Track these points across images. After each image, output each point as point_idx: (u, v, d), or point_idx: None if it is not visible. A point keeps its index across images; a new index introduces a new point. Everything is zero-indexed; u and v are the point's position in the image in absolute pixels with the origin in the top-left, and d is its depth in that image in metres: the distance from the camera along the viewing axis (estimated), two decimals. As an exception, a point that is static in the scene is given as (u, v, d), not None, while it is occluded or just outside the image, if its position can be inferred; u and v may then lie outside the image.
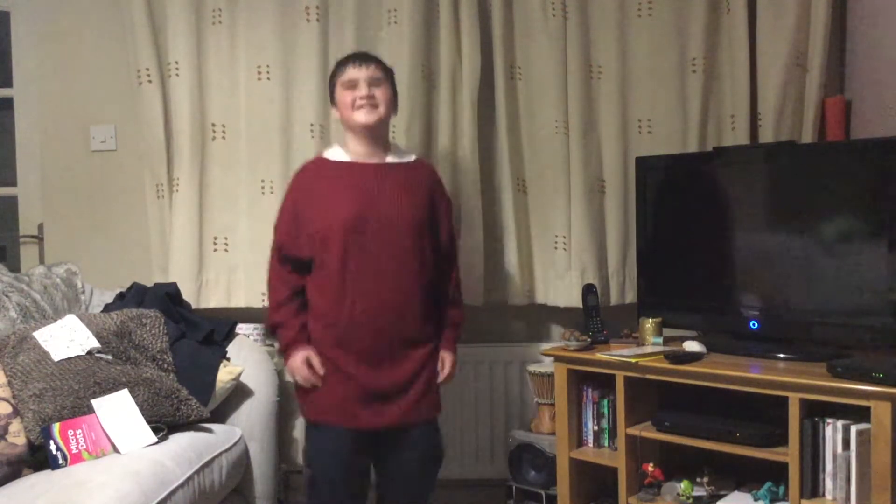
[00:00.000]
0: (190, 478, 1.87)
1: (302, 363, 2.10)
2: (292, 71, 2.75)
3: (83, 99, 2.93)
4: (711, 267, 2.38)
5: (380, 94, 2.12)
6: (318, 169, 2.18)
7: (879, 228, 2.03)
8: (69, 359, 2.01)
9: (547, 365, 2.57)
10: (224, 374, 2.22)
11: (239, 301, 2.79)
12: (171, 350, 2.24)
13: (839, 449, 1.88)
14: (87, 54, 2.92)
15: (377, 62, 2.17)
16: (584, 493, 2.43)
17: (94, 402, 1.92)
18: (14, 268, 2.48)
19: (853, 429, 1.87)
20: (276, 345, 2.26)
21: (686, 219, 2.45)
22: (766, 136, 2.68)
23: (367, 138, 2.14)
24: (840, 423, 1.88)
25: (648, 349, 2.31)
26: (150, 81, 2.76)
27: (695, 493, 2.15)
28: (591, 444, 2.42)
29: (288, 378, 2.79)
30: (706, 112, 2.74)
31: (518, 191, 2.80)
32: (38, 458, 1.85)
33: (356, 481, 2.17)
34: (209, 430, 2.09)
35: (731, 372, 2.05)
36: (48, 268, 2.49)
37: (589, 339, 2.43)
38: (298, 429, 2.68)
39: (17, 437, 1.85)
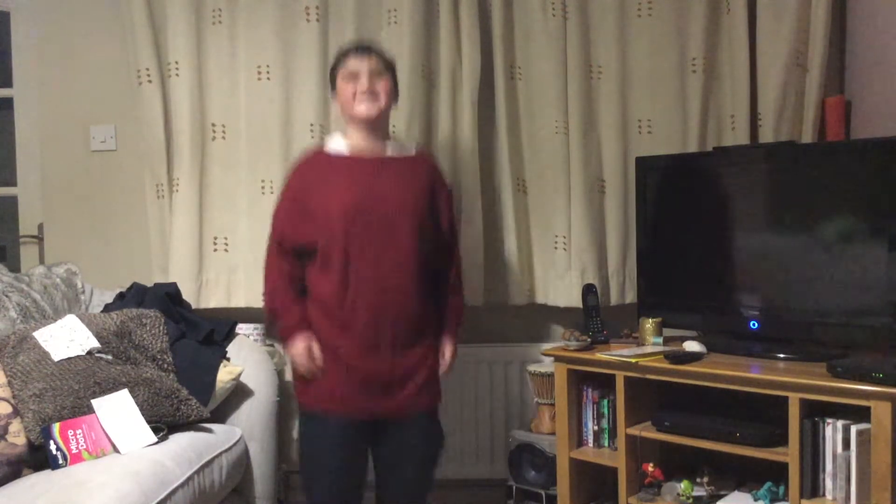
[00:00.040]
0: (190, 478, 1.87)
1: (304, 351, 2.09)
2: (292, 71, 2.75)
3: (83, 99, 2.93)
4: (711, 267, 2.38)
5: (381, 86, 2.12)
6: (318, 161, 2.18)
7: (879, 228, 2.03)
8: (69, 359, 2.01)
9: (547, 365, 2.57)
10: (224, 374, 2.22)
11: (239, 301, 2.79)
12: (171, 350, 2.24)
13: (839, 449, 1.88)
14: (87, 54, 2.92)
15: (379, 53, 2.16)
16: (584, 493, 2.43)
17: (94, 402, 1.92)
18: (14, 268, 2.48)
19: (853, 429, 1.87)
20: (265, 328, 2.21)
21: (686, 219, 2.45)
22: (766, 136, 2.68)
23: (367, 130, 2.14)
24: (840, 423, 1.88)
25: (648, 349, 2.31)
26: (150, 81, 2.76)
27: (695, 493, 2.15)
28: (591, 444, 2.43)
29: (288, 378, 2.81)
30: (706, 112, 2.75)
31: (518, 191, 2.80)
32: (38, 458, 1.85)
33: (353, 474, 2.14)
34: (209, 430, 2.09)
35: (731, 372, 2.05)
36: (48, 268, 2.49)
37: (589, 339, 2.43)
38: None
39: (17, 437, 1.85)
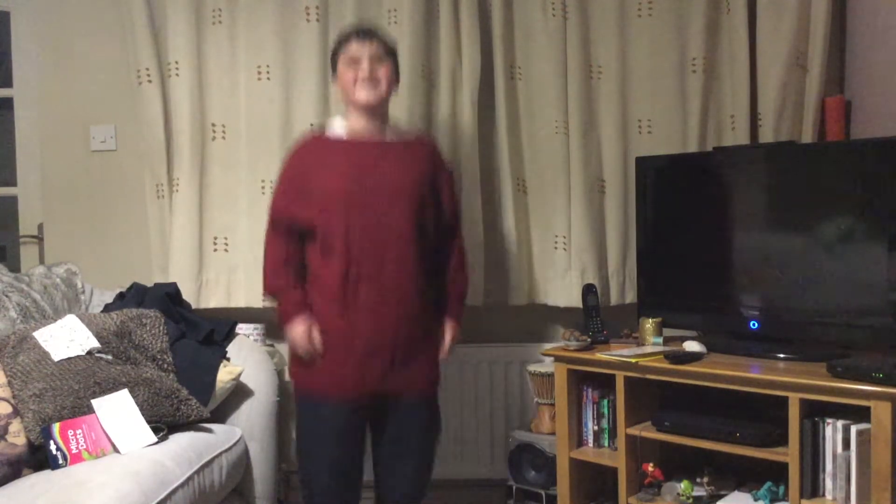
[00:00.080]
0: (190, 478, 1.87)
1: (304, 334, 2.09)
2: (292, 71, 2.75)
3: (83, 99, 2.93)
4: (711, 267, 2.38)
5: (382, 72, 2.11)
6: (317, 144, 2.18)
7: (879, 228, 2.03)
8: (69, 359, 2.01)
9: (547, 365, 2.57)
10: (224, 374, 2.22)
11: (239, 301, 2.79)
12: (171, 350, 2.24)
13: (839, 449, 1.88)
14: (87, 54, 2.92)
15: (380, 39, 2.15)
16: (584, 493, 2.43)
17: (94, 402, 1.92)
18: (14, 268, 2.48)
19: (853, 429, 1.87)
20: (268, 303, 2.19)
21: (686, 219, 2.45)
22: (766, 136, 2.68)
23: (367, 115, 2.13)
24: (840, 423, 1.88)
25: (648, 349, 2.31)
26: (150, 81, 2.76)
27: (695, 493, 2.15)
28: (591, 444, 2.42)
29: (288, 378, 2.81)
30: (706, 112, 2.75)
31: (518, 191, 2.80)
32: (38, 458, 1.85)
33: (351, 459, 2.13)
34: (209, 430, 2.09)
35: (731, 372, 2.05)
36: (48, 268, 2.49)
37: (589, 339, 2.43)
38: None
39: (17, 437, 1.85)
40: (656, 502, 2.20)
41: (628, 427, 2.25)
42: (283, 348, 2.76)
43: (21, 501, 1.64)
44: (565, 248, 2.79)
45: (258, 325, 2.72)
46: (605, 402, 2.37)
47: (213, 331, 2.39)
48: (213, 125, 2.79)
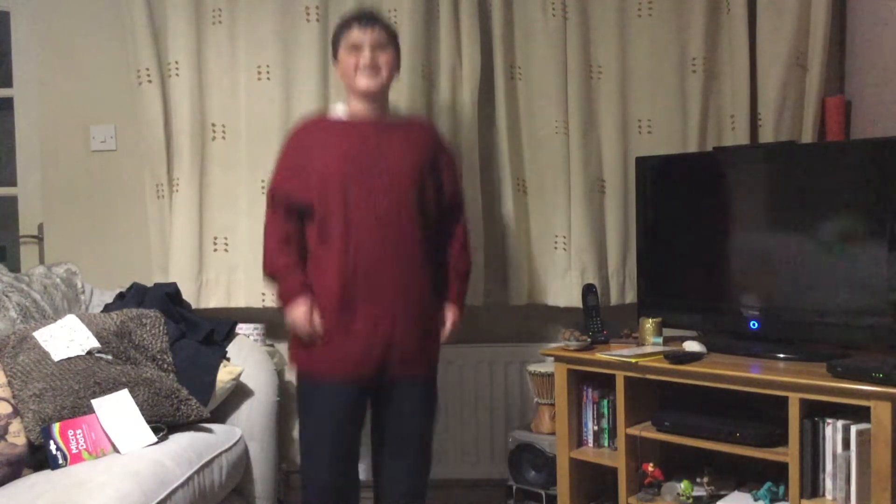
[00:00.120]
0: (190, 478, 1.87)
1: (305, 315, 2.09)
2: (292, 71, 2.75)
3: (83, 99, 2.93)
4: (711, 267, 2.38)
5: (383, 59, 2.12)
6: (317, 125, 2.19)
7: (879, 228, 2.03)
8: (69, 359, 2.01)
9: (547, 365, 2.57)
10: (224, 374, 2.22)
11: (239, 301, 2.79)
12: (171, 350, 2.24)
13: (839, 449, 1.88)
14: (87, 54, 2.92)
15: (382, 24, 2.15)
16: (584, 493, 2.43)
17: (94, 402, 1.92)
18: (14, 268, 2.48)
19: (853, 429, 1.87)
20: (274, 293, 2.20)
21: (686, 219, 2.45)
22: (766, 136, 2.68)
23: (367, 101, 2.15)
24: (840, 423, 1.88)
25: (648, 349, 2.31)
26: (150, 81, 2.76)
27: (695, 493, 2.15)
28: (591, 444, 2.42)
29: (288, 378, 2.81)
30: (706, 112, 2.75)
31: (518, 191, 2.80)
32: (38, 458, 1.85)
33: (350, 439, 2.15)
34: (209, 430, 2.09)
35: (731, 372, 2.05)
36: (48, 268, 2.49)
37: (589, 339, 2.43)
38: (298, 429, 2.68)
39: (17, 437, 1.85)
40: (656, 502, 2.20)
41: (628, 427, 2.25)
42: (283, 348, 2.77)
43: (21, 501, 1.64)
44: (565, 248, 2.79)
45: (258, 325, 2.72)
46: (605, 402, 2.37)
47: (213, 331, 2.39)
48: (213, 125, 2.79)
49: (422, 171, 2.12)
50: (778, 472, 2.03)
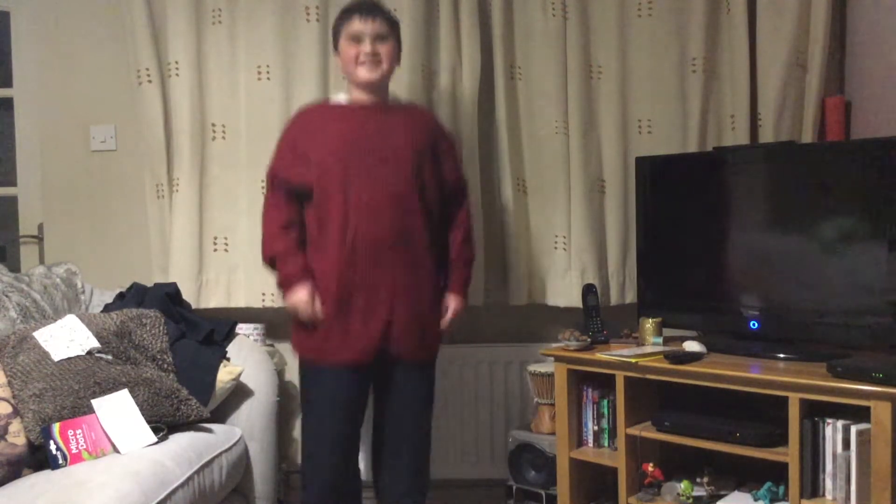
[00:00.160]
0: (190, 478, 1.87)
1: (307, 298, 2.09)
2: (292, 71, 2.75)
3: (83, 99, 2.93)
4: (711, 267, 2.38)
5: (384, 49, 2.12)
6: (319, 110, 2.21)
7: (879, 228, 2.03)
8: (69, 359, 2.01)
9: (547, 365, 2.57)
10: (224, 374, 2.22)
11: (239, 301, 2.79)
12: (171, 350, 2.24)
13: (839, 449, 1.88)
14: (87, 54, 2.92)
15: (383, 15, 2.15)
16: (584, 493, 2.43)
17: (94, 402, 1.92)
18: (14, 268, 2.49)
19: (853, 429, 1.87)
20: (275, 278, 2.20)
21: (686, 219, 2.45)
22: (766, 136, 2.68)
23: (368, 91, 2.16)
24: (840, 423, 1.88)
25: (648, 349, 2.31)
26: (150, 81, 2.76)
27: (695, 493, 2.15)
28: (591, 444, 2.42)
29: (288, 378, 2.81)
30: (706, 112, 2.75)
31: (518, 191, 2.80)
32: (38, 458, 1.85)
33: (352, 425, 2.16)
34: (209, 430, 2.09)
35: (731, 372, 2.05)
36: (48, 268, 2.49)
37: (589, 339, 2.43)
38: (298, 429, 2.68)
39: (17, 437, 1.85)
40: (656, 502, 2.20)
41: (628, 427, 2.25)
42: (283, 348, 2.77)
43: (21, 501, 1.64)
44: (565, 248, 2.79)
45: (258, 325, 2.72)
46: (605, 402, 2.37)
47: (213, 331, 2.38)
48: (213, 125, 2.79)
49: (422, 154, 2.13)
50: (778, 472, 2.03)
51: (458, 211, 2.24)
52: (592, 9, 2.76)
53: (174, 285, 2.51)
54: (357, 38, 2.11)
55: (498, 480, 2.76)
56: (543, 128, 2.79)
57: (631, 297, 2.78)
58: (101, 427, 1.88)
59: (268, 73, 2.75)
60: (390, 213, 2.07)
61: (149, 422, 1.94)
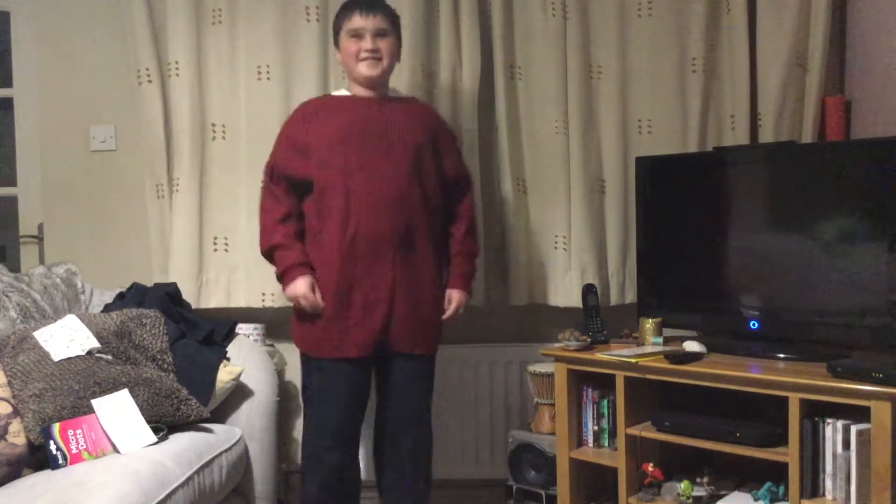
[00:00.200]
0: (190, 478, 1.87)
1: (307, 288, 2.09)
2: (292, 71, 2.75)
3: (83, 99, 2.93)
4: (711, 267, 2.38)
5: (384, 46, 2.13)
6: (320, 103, 2.23)
7: (879, 228, 2.03)
8: (69, 359, 2.01)
9: (547, 365, 2.57)
10: (224, 374, 2.22)
11: (239, 301, 2.79)
12: (171, 350, 2.24)
13: (839, 449, 1.88)
14: (87, 54, 2.92)
15: (384, 10, 2.16)
16: (584, 493, 2.43)
17: (94, 402, 1.92)
18: (14, 268, 2.48)
19: (853, 429, 1.86)
20: (274, 269, 2.21)
21: (686, 219, 2.45)
22: (766, 136, 2.68)
23: (368, 86, 2.17)
24: (840, 423, 1.88)
25: (648, 349, 2.31)
26: (150, 81, 2.76)
27: (695, 493, 2.15)
28: (591, 444, 2.42)
29: (288, 378, 2.81)
30: (706, 112, 2.75)
31: (518, 191, 2.80)
32: (38, 458, 1.85)
33: (353, 417, 2.17)
34: (209, 430, 2.09)
35: (731, 372, 2.05)
36: (48, 268, 2.49)
37: (589, 339, 2.43)
38: (298, 429, 2.68)
39: (17, 437, 1.85)
40: (656, 502, 2.20)
41: (628, 427, 2.25)
42: (283, 348, 2.77)
43: (21, 501, 1.64)
44: (565, 248, 2.79)
45: (258, 325, 2.72)
46: (605, 402, 2.37)
47: (213, 331, 2.38)
48: (213, 125, 2.79)
49: (422, 148, 2.14)
50: (778, 472, 2.03)
51: (460, 204, 2.24)
52: (592, 9, 2.76)
53: (174, 285, 2.51)
54: (358, 34, 2.11)
55: (498, 480, 2.76)
56: (543, 127, 2.79)
57: (631, 297, 2.78)
58: (101, 427, 1.88)
59: (268, 73, 2.75)
60: (391, 207, 2.08)
61: (149, 422, 1.94)
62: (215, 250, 2.80)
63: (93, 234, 2.94)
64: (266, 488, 2.28)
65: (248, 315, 2.76)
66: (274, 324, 2.77)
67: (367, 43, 2.10)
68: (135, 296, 2.45)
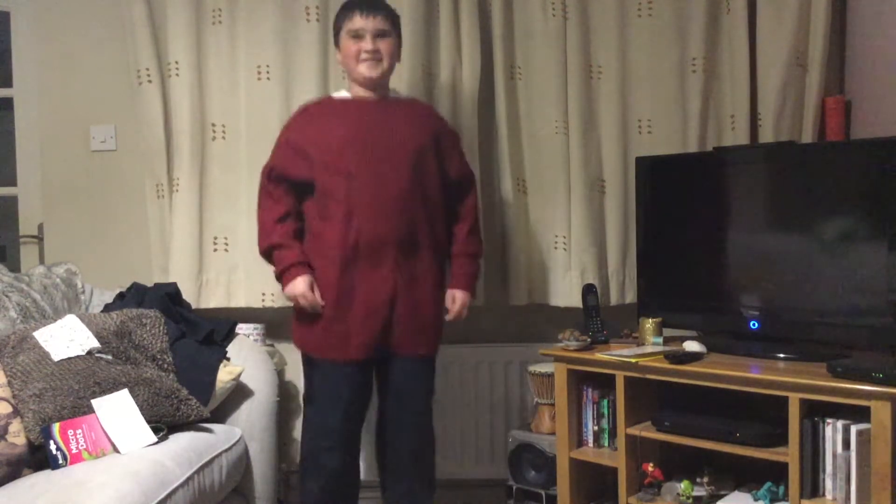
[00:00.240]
0: (190, 478, 1.87)
1: (306, 287, 2.09)
2: (292, 71, 2.75)
3: (83, 99, 2.93)
4: (711, 267, 2.38)
5: (385, 46, 2.13)
6: (321, 105, 2.23)
7: (879, 228, 2.03)
8: (69, 359, 2.01)
9: (547, 365, 2.57)
10: (224, 374, 2.22)
11: (239, 301, 2.79)
12: (171, 350, 2.24)
13: (839, 449, 1.88)
14: (87, 54, 2.92)
15: (384, 10, 2.16)
16: (584, 493, 2.43)
17: (94, 402, 1.92)
18: (14, 268, 2.48)
19: (853, 429, 1.86)
20: (273, 269, 2.20)
21: (686, 219, 2.45)
22: (766, 136, 2.68)
23: (369, 87, 2.17)
24: (840, 423, 1.88)
25: (648, 349, 2.31)
26: (150, 81, 2.76)
27: (695, 493, 2.15)
28: (591, 444, 2.42)
29: (288, 378, 2.81)
30: (706, 112, 2.75)
31: (518, 191, 2.80)
32: (38, 458, 1.85)
33: (354, 418, 2.17)
34: (209, 430, 2.09)
35: (731, 372, 2.05)
36: (48, 268, 2.49)
37: (589, 339, 2.43)
38: (298, 429, 2.68)
39: (17, 437, 1.85)
40: (656, 502, 2.20)
41: (628, 427, 2.25)
42: (283, 348, 2.77)
43: (21, 501, 1.64)
44: (565, 248, 2.79)
45: (258, 325, 2.72)
46: (605, 402, 2.37)
47: (213, 331, 2.38)
48: (213, 125, 2.79)
49: (424, 149, 2.14)
50: (778, 472, 2.03)
51: (463, 204, 2.24)
52: (592, 9, 2.76)
53: (174, 285, 2.51)
54: (358, 35, 2.11)
55: (498, 480, 2.76)
56: (543, 127, 2.79)
57: (631, 297, 2.78)
58: (101, 427, 1.88)
59: (268, 73, 2.75)
60: (393, 209, 2.08)
61: (149, 422, 1.94)
62: (215, 250, 2.80)
63: (93, 234, 2.94)
64: (266, 488, 2.28)
65: (248, 315, 2.76)
66: (274, 324, 2.77)
67: (367, 44, 2.10)
68: (135, 296, 2.45)
